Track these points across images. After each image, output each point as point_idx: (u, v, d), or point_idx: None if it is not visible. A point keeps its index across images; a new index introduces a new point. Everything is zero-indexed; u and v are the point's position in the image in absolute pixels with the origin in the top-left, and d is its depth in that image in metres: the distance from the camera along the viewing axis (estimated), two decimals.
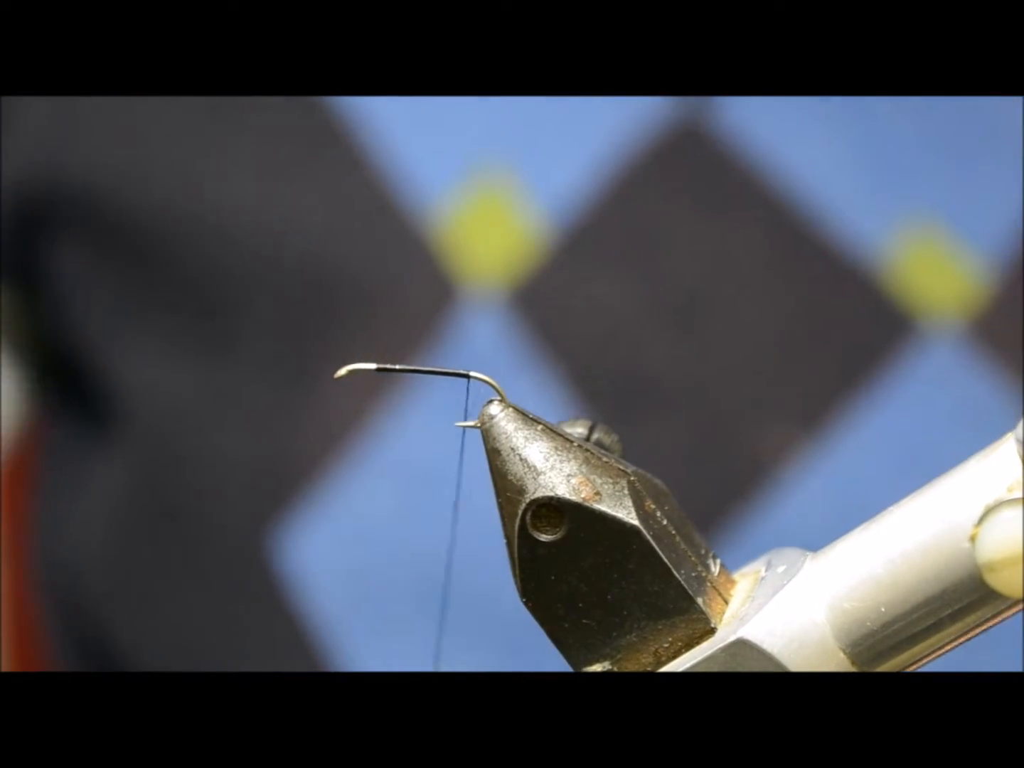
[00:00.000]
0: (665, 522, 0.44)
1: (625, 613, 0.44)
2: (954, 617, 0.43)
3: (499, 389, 0.45)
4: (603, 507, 0.44)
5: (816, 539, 0.78)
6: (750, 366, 0.81)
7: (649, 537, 0.44)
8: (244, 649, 0.84)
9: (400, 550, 0.82)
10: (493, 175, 0.84)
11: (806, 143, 0.83)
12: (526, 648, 0.74)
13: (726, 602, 0.45)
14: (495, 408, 0.45)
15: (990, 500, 0.42)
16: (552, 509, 0.44)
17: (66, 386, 0.93)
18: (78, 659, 0.91)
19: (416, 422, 0.82)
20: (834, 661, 0.43)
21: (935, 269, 0.82)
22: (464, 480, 0.47)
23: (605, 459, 0.44)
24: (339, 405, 0.82)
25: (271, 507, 0.83)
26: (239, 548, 0.84)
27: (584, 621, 0.44)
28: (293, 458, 0.83)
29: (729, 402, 0.81)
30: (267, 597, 0.83)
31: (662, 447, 0.80)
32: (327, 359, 0.83)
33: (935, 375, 0.81)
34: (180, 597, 0.86)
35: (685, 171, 0.83)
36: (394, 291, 0.83)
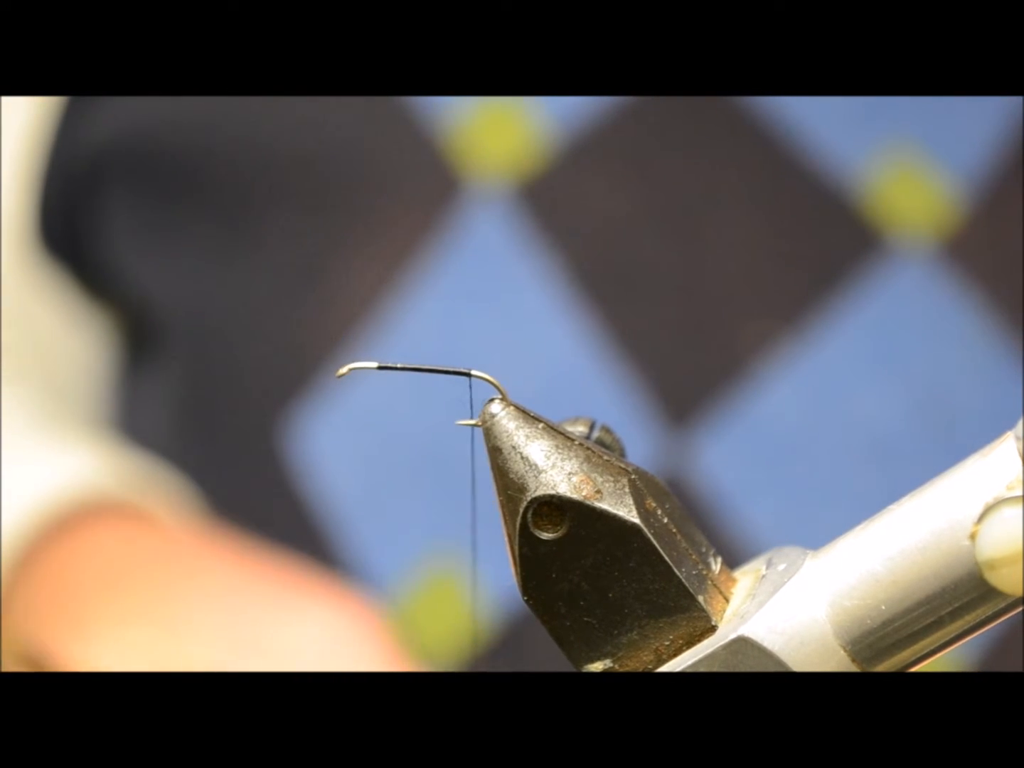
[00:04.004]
0: (666, 520, 0.45)
1: (626, 611, 0.44)
2: (954, 615, 0.43)
3: (500, 387, 0.45)
4: (604, 505, 0.44)
5: (788, 432, 0.83)
6: (733, 268, 0.86)
7: (650, 535, 0.44)
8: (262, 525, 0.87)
9: (409, 437, 0.86)
10: None
11: None
12: None
13: (727, 600, 0.45)
14: (496, 406, 0.45)
15: (990, 498, 0.42)
16: (553, 507, 0.44)
17: (123, 319, 0.97)
18: None
19: (426, 309, 0.86)
20: (835, 659, 0.43)
21: (911, 190, 0.87)
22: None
23: (606, 457, 0.45)
24: (351, 296, 0.87)
25: (286, 396, 0.87)
26: (257, 435, 0.88)
27: (585, 619, 0.44)
28: (307, 348, 0.87)
29: (712, 297, 0.86)
30: (281, 482, 0.87)
31: (650, 333, 0.85)
32: (340, 252, 0.87)
33: (906, 288, 0.86)
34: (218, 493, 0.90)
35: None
36: (404, 188, 0.88)
